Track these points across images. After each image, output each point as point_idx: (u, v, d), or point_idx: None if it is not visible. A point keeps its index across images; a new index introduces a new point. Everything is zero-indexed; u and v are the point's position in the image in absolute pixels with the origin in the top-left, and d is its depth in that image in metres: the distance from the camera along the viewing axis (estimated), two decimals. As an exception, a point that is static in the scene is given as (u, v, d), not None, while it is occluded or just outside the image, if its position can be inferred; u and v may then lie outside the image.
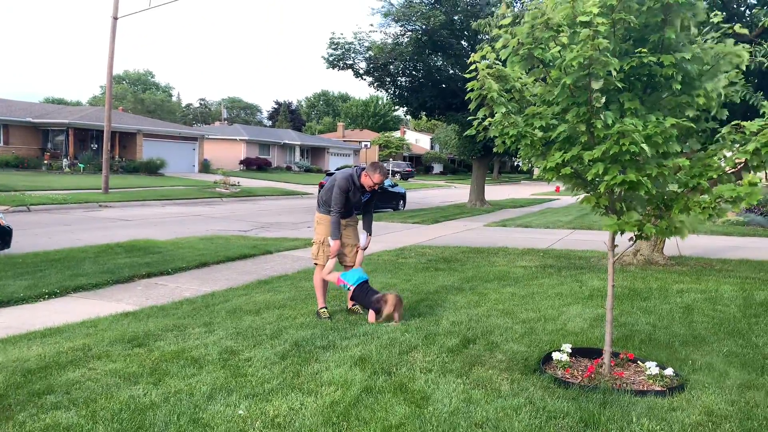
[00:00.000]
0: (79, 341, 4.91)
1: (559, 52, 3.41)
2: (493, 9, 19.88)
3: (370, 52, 23.81)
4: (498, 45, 3.63)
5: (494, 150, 3.99)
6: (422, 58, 23.69)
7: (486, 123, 3.80)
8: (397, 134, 76.96)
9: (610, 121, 3.28)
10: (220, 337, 5.01)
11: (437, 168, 76.59)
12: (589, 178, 3.48)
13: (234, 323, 5.55)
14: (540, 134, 3.65)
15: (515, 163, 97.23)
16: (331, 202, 5.88)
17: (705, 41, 3.45)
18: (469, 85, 3.79)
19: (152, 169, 36.08)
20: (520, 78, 3.93)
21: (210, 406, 3.49)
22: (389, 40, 23.98)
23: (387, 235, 14.34)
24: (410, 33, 23.02)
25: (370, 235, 6.12)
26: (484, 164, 26.74)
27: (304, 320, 5.61)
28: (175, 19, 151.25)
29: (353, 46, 24.14)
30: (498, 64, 3.91)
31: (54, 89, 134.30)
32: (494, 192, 34.91)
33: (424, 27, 21.88)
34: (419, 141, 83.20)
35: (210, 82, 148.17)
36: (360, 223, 6.24)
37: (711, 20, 3.38)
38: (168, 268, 8.85)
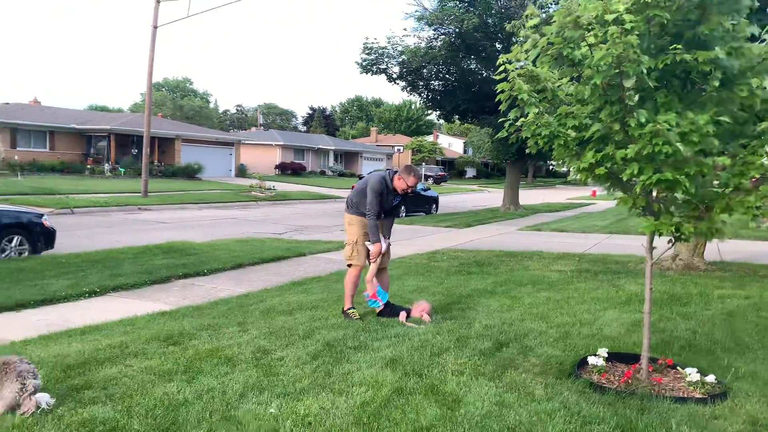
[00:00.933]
0: (116, 339, 5.03)
1: (589, 50, 3.34)
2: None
3: (403, 57, 23.84)
4: (526, 45, 3.58)
5: (527, 151, 3.93)
6: (455, 61, 23.60)
7: (518, 124, 3.75)
8: (430, 138, 76.81)
9: (643, 119, 3.19)
10: (254, 337, 5.06)
11: (470, 172, 76.11)
12: (625, 179, 3.39)
13: (267, 323, 5.59)
14: (573, 134, 3.58)
15: (550, 167, 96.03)
16: (361, 204, 5.87)
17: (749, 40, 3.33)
18: (499, 87, 3.75)
19: (190, 173, 36.80)
20: (552, 78, 3.86)
21: (242, 404, 3.52)
22: (422, 44, 23.97)
23: (419, 238, 14.30)
24: (443, 36, 22.97)
25: (388, 239, 6.07)
26: (518, 168, 26.46)
27: (336, 321, 5.63)
28: (213, 27, 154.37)
29: (387, 50, 24.20)
30: (529, 64, 3.86)
31: (97, 97, 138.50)
32: (529, 196, 34.51)
33: (457, 30, 21.80)
34: (452, 145, 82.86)
35: (246, 89, 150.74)
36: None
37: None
38: (204, 269, 9.00)
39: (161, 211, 20.76)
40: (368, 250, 5.84)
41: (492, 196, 40.13)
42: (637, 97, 3.23)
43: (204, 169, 37.94)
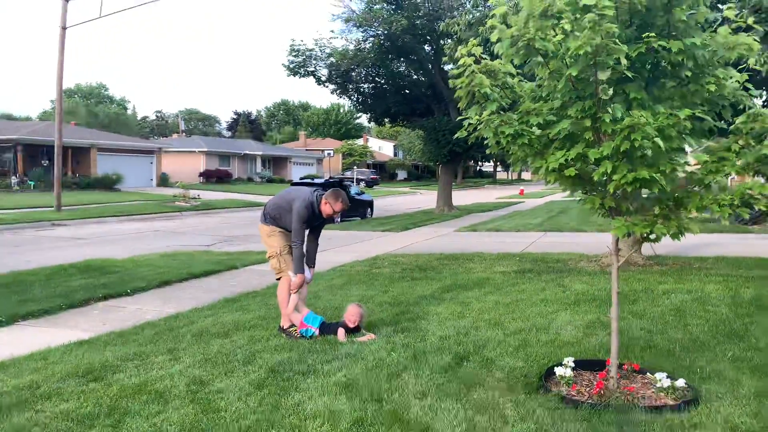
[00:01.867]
0: (26, 378, 4.37)
1: (561, 41, 3.10)
2: (455, 13, 19.76)
3: (331, 59, 23.46)
4: (493, 37, 3.29)
5: (487, 151, 3.66)
6: (385, 63, 23.45)
7: (475, 122, 3.45)
8: (360, 142, 76.68)
9: (619, 114, 2.98)
10: (187, 366, 4.53)
11: (401, 174, 76.54)
12: (596, 178, 3.17)
13: (201, 348, 5.06)
14: (538, 132, 3.32)
15: (477, 168, 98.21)
16: (279, 219, 5.58)
17: (714, 31, 3.18)
18: (456, 83, 3.45)
19: (108, 184, 34.82)
20: (512, 72, 3.61)
21: (179, 452, 3.03)
22: (351, 46, 23.67)
23: (357, 244, 13.94)
24: (372, 38, 22.75)
25: (313, 267, 5.78)
26: (450, 169, 26.62)
27: (278, 342, 5.17)
28: (129, 30, 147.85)
29: (314, 52, 23.74)
30: (485, 58, 3.59)
31: (1, 105, 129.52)
32: (460, 197, 34.85)
33: (386, 32, 21.62)
34: (382, 148, 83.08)
35: (166, 94, 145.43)
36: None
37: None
38: (127, 289, 8.25)
39: (78, 226, 19.34)
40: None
41: (424, 197, 40.35)
42: (611, 91, 3.01)
43: (123, 179, 36.02)
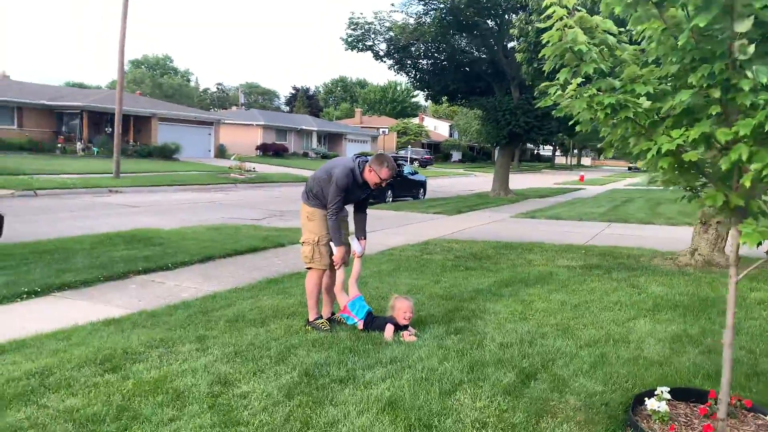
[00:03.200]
0: (41, 361, 4.00)
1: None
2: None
3: (390, 33, 22.68)
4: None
5: (577, 129, 2.95)
6: (446, 39, 22.50)
7: (571, 90, 2.73)
8: (415, 121, 75.62)
9: (764, 80, 2.22)
10: (214, 359, 4.06)
11: (456, 156, 75.14)
12: (724, 167, 2.41)
13: (233, 338, 4.59)
14: (646, 104, 2.59)
15: (535, 151, 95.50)
16: (321, 195, 4.90)
17: None
18: (544, 37, 2.74)
19: (167, 153, 35.32)
20: (611, 31, 2.86)
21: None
22: (411, 20, 22.81)
23: (408, 226, 13.32)
24: (433, 12, 21.79)
25: (365, 239, 5.14)
26: (508, 152, 25.52)
27: (317, 335, 4.64)
28: (195, 3, 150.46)
29: (373, 26, 23.01)
30: (580, 10, 2.86)
31: (75, 75, 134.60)
32: (516, 181, 33.60)
33: (448, 5, 20.64)
34: (438, 128, 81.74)
35: (228, 68, 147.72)
36: (351, 225, 5.22)
37: None
38: (168, 263, 7.94)
39: (133, 194, 19.51)
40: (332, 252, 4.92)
41: (479, 180, 39.26)
42: (752, 49, 2.25)
43: (182, 149, 36.47)
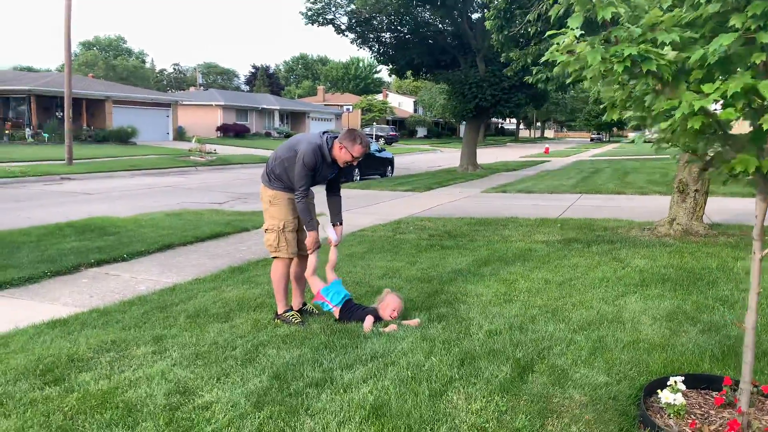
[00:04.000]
0: (-29, 375, 3.48)
1: None
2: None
3: (352, 5, 21.96)
4: None
5: (585, 84, 2.54)
6: (409, 11, 21.91)
7: (584, 44, 2.31)
8: (379, 97, 74.83)
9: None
10: (173, 363, 3.61)
11: (421, 132, 74.75)
12: (765, 128, 2.05)
13: (194, 337, 4.14)
14: (671, 55, 2.21)
15: (499, 125, 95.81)
16: (285, 176, 4.42)
17: None
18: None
19: (123, 137, 33.99)
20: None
21: None
22: (373, -8, 22.08)
23: (378, 205, 12.92)
24: (396, -17, 21.11)
25: (341, 224, 4.70)
26: (475, 126, 25.21)
27: (286, 330, 4.22)
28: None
29: (334, -1, 22.23)
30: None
31: (23, 59, 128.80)
32: (483, 155, 33.40)
33: (411, -24, 20.04)
34: (402, 104, 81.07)
35: (185, 48, 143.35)
36: (323, 210, 4.78)
37: None
38: (124, 253, 7.37)
39: (87, 181, 18.57)
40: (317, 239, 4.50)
41: (446, 155, 39.03)
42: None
43: (139, 132, 35.16)
